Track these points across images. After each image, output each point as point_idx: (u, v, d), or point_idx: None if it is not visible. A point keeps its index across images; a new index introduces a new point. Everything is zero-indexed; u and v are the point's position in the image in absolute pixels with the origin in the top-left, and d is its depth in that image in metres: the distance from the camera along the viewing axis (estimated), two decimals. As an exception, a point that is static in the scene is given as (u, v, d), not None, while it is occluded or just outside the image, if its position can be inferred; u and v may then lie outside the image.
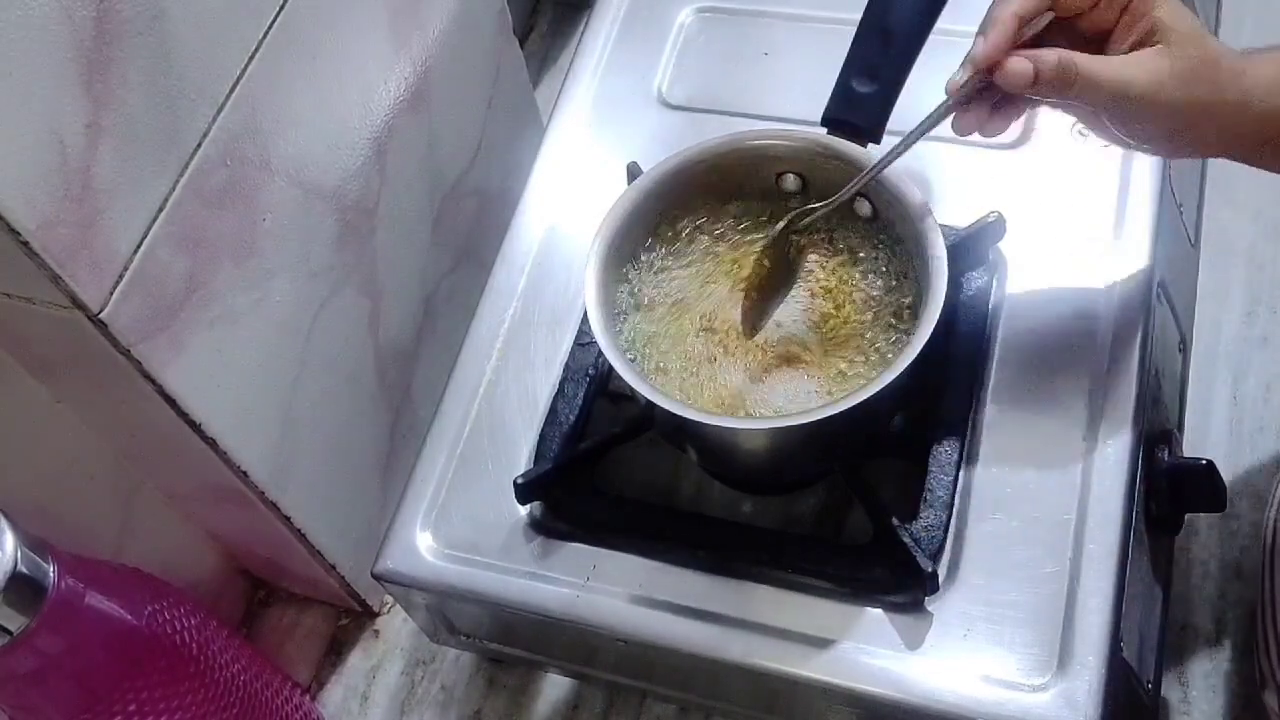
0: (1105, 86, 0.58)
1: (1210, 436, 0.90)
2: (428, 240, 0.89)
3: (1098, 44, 0.60)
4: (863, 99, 0.66)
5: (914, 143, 0.62)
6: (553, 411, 0.74)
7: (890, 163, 0.63)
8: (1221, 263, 0.97)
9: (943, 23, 0.66)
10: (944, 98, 0.61)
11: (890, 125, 0.67)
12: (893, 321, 0.67)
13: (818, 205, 0.66)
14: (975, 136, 0.63)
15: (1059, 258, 0.74)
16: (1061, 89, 0.58)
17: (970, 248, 0.72)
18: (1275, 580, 0.74)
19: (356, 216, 0.79)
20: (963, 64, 0.60)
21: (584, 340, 0.76)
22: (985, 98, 0.61)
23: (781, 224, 0.66)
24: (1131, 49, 0.59)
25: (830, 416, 0.59)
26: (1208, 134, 0.61)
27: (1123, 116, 0.60)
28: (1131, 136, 0.62)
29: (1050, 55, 0.58)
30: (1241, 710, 0.80)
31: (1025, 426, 0.69)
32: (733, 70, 0.86)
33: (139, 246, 0.61)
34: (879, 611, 0.65)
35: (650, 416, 0.67)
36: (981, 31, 0.60)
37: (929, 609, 0.64)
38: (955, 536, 0.66)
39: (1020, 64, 0.58)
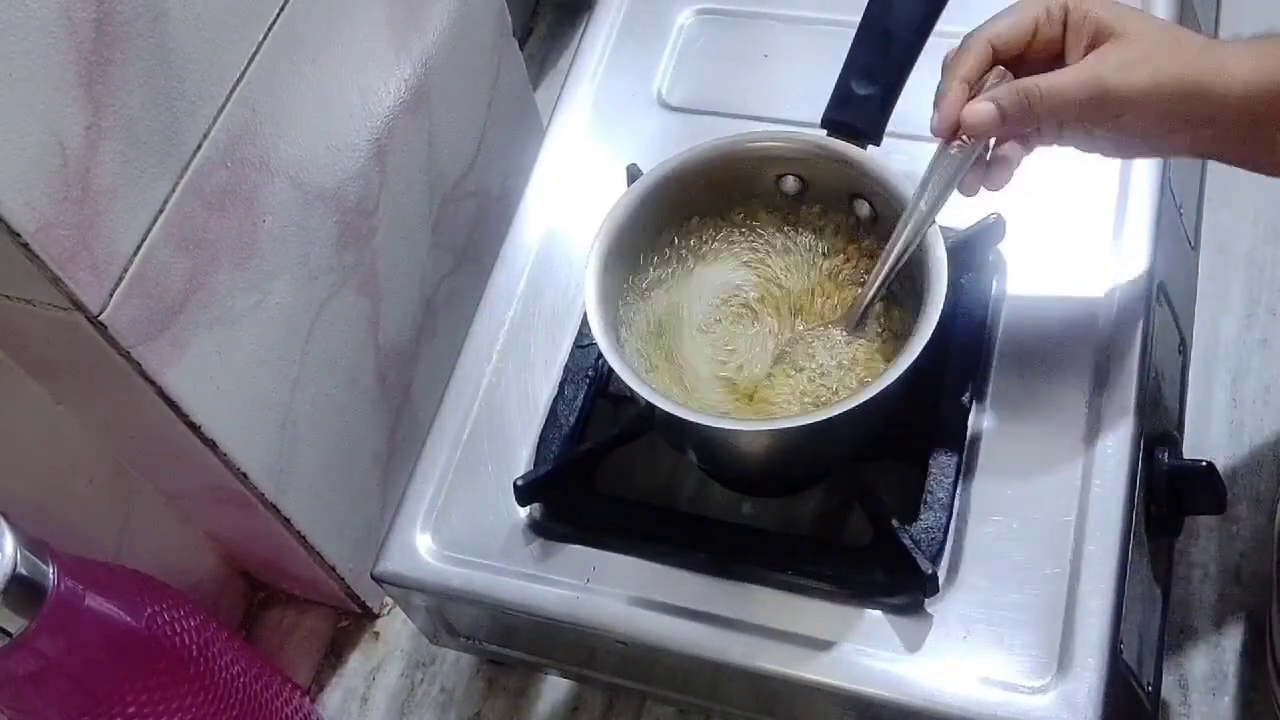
0: (1074, 92, 0.59)
1: (1210, 438, 0.90)
2: (428, 242, 0.89)
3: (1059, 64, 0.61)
4: (862, 101, 0.66)
5: (929, 217, 0.63)
6: (552, 413, 0.74)
7: (910, 243, 0.63)
8: (1221, 265, 0.97)
9: (942, 24, 0.66)
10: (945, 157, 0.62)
11: (890, 127, 0.67)
12: (892, 323, 0.67)
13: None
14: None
15: (1059, 260, 0.74)
16: (1030, 113, 0.59)
17: (970, 249, 0.72)
18: None
19: (356, 218, 0.79)
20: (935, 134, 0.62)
21: (584, 342, 0.76)
22: (978, 160, 0.62)
23: None
24: (1085, 54, 0.59)
25: (830, 418, 0.59)
26: (1195, 116, 0.60)
27: (1107, 119, 0.60)
28: (1130, 141, 0.62)
29: (1004, 89, 0.59)
30: (1242, 713, 0.80)
31: (1025, 428, 0.69)
32: (732, 72, 0.86)
33: (139, 248, 0.61)
34: (879, 613, 0.65)
35: (650, 418, 0.67)
36: (935, 103, 0.61)
37: (929, 611, 0.64)
38: (955, 538, 0.66)
39: (978, 109, 0.59)
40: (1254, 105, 0.59)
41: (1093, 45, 0.59)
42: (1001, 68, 0.61)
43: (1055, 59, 0.61)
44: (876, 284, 0.64)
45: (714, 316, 0.69)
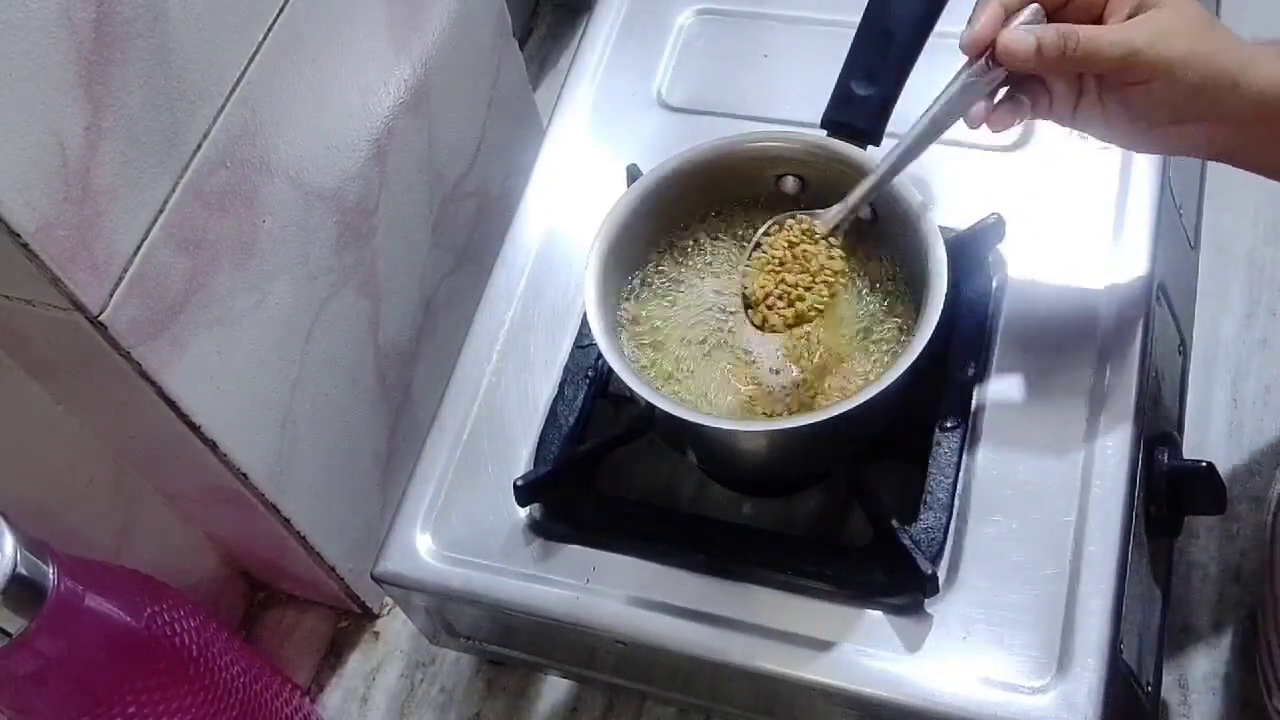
0: (1109, 48, 0.58)
1: (1210, 438, 0.90)
2: (428, 242, 0.89)
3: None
4: (862, 101, 0.66)
5: (929, 135, 0.62)
6: (552, 413, 0.74)
7: (910, 152, 0.63)
8: (1221, 265, 0.97)
9: (942, 25, 0.66)
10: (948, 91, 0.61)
11: (890, 127, 0.67)
12: (892, 324, 0.67)
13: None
14: (977, 136, 0.63)
15: (1059, 260, 0.74)
16: (1066, 57, 0.58)
17: (970, 249, 0.72)
18: (1277, 585, 0.73)
19: (356, 218, 0.79)
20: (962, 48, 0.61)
21: (584, 342, 0.76)
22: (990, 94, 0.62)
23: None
24: (1126, 20, 0.59)
25: (830, 418, 0.59)
26: (1216, 106, 0.59)
27: (1134, 83, 0.59)
28: (1141, 127, 0.61)
29: (1049, 27, 0.59)
30: (1241, 713, 0.80)
31: (1025, 428, 0.69)
32: (732, 72, 0.86)
33: (139, 248, 0.61)
34: (879, 613, 0.65)
35: (650, 418, 0.67)
36: (970, 22, 0.60)
37: (929, 611, 0.64)
38: (955, 538, 0.66)
39: (1019, 37, 0.58)
40: (1275, 105, 0.59)
41: (1134, 13, 0.59)
42: (1037, 6, 0.60)
43: (1094, 21, 0.60)
44: (862, 191, 0.64)
45: (713, 314, 0.69)
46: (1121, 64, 0.58)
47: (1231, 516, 0.86)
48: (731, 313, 0.69)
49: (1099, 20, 0.60)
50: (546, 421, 0.74)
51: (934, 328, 0.60)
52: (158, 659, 0.67)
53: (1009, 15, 0.60)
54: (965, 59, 0.61)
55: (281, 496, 0.77)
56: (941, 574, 0.65)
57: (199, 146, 0.64)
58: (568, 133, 0.86)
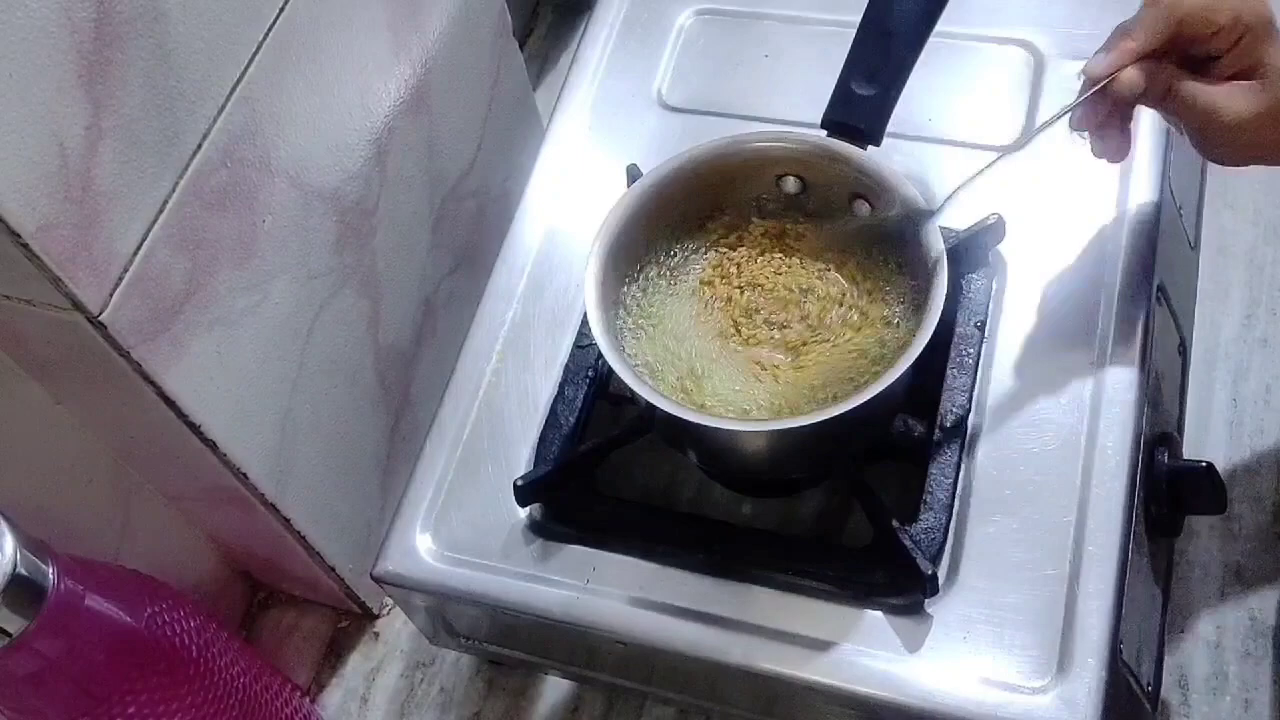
0: (1199, 108, 0.62)
1: (1210, 438, 0.90)
2: (427, 242, 0.89)
3: (1205, 66, 0.63)
4: (863, 101, 0.66)
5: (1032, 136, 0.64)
6: (552, 413, 0.74)
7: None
8: (1221, 265, 0.97)
9: (942, 25, 0.66)
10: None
11: (890, 127, 0.67)
12: (892, 324, 0.67)
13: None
14: (976, 136, 0.63)
15: (1059, 260, 0.74)
16: (1161, 102, 0.63)
17: (970, 250, 0.72)
18: None
19: (356, 218, 0.79)
20: (1081, 74, 0.63)
21: (584, 342, 0.76)
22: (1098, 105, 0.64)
23: None
24: (1232, 79, 0.62)
25: (830, 419, 0.59)
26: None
27: (1209, 137, 0.64)
28: (1211, 154, 0.66)
29: (1161, 73, 0.62)
30: (1242, 712, 0.80)
31: (1025, 428, 0.69)
32: (733, 72, 0.86)
33: (139, 248, 0.61)
34: (879, 614, 0.65)
35: (650, 418, 0.67)
36: (1104, 49, 0.63)
37: (929, 611, 0.64)
38: (955, 538, 0.66)
39: (1132, 76, 0.62)
40: None
41: (1241, 75, 0.62)
42: None
43: (1209, 58, 0.63)
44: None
45: (713, 315, 0.69)
46: (1203, 123, 0.63)
47: (1231, 516, 0.86)
48: (731, 309, 0.69)
49: (1213, 60, 0.62)
50: (546, 421, 0.74)
51: (934, 328, 0.60)
52: (158, 659, 0.67)
53: (1139, 58, 0.62)
54: (1082, 82, 0.63)
55: (281, 496, 0.77)
56: (941, 574, 0.65)
57: (199, 146, 0.64)
58: (568, 133, 0.86)
